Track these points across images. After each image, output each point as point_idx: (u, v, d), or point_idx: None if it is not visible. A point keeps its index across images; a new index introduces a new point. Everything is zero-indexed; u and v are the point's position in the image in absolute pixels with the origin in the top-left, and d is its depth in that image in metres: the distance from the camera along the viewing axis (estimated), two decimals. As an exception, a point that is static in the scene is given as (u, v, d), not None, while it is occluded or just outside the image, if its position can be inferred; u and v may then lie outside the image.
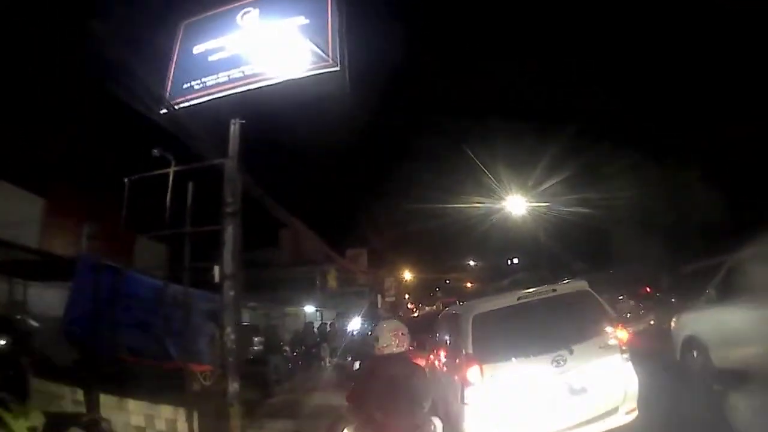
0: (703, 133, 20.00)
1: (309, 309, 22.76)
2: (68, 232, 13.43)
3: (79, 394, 6.96)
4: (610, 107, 26.28)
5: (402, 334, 4.19)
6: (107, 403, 6.88)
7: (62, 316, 7.69)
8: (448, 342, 6.78)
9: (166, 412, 6.78)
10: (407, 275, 42.77)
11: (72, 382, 7.04)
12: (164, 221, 7.69)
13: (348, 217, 43.95)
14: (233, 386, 6.55)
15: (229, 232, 6.94)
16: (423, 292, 60.40)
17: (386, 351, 4.13)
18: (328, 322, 20.30)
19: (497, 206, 26.18)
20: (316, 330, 18.52)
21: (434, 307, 35.81)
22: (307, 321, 18.79)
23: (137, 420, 6.84)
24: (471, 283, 56.86)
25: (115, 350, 7.41)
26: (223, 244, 6.95)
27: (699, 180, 19.87)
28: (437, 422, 4.17)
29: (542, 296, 5.65)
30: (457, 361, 5.59)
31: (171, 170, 8.09)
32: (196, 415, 6.71)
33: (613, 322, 5.62)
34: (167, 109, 7.33)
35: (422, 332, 11.55)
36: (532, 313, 5.48)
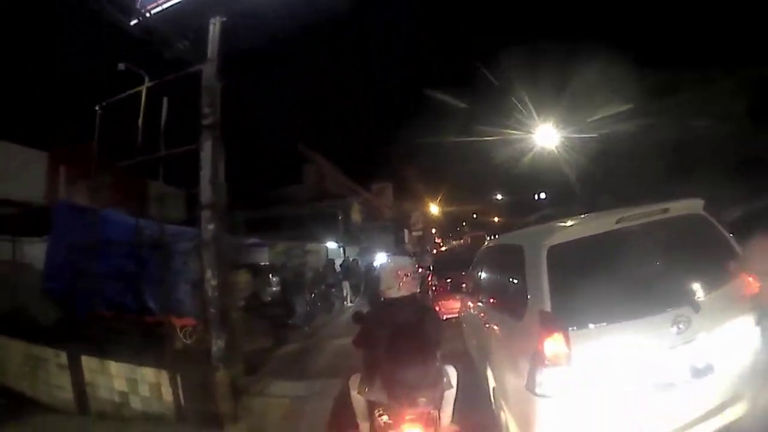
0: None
1: (331, 245, 21.45)
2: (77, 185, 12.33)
3: (63, 357, 6.08)
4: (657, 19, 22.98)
5: (407, 275, 3.71)
6: (90, 366, 5.92)
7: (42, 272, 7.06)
8: (499, 290, 4.78)
9: (149, 375, 5.64)
10: (434, 209, 41.06)
11: (56, 345, 6.22)
12: (136, 146, 6.47)
13: (373, 151, 42.03)
14: (217, 344, 5.20)
15: (207, 150, 5.32)
16: (449, 226, 59.30)
17: (390, 294, 3.72)
18: (351, 258, 18.89)
19: (527, 138, 24.05)
20: (338, 267, 17.15)
21: (461, 241, 34.36)
22: (329, 258, 17.40)
23: (120, 384, 5.79)
24: (498, 217, 55.45)
25: (94, 306, 6.48)
26: (201, 166, 5.31)
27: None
28: (451, 371, 3.70)
29: (650, 219, 3.60)
30: (521, 323, 3.55)
31: (144, 87, 6.78)
32: (179, 380, 5.40)
33: (740, 264, 3.39)
34: (138, 17, 5.99)
35: (453, 268, 10.09)
36: (635, 246, 3.44)
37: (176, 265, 6.07)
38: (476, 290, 5.81)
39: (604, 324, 3.17)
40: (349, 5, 6.34)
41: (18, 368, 6.46)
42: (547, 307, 3.24)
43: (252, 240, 12.87)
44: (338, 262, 17.96)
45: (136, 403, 5.66)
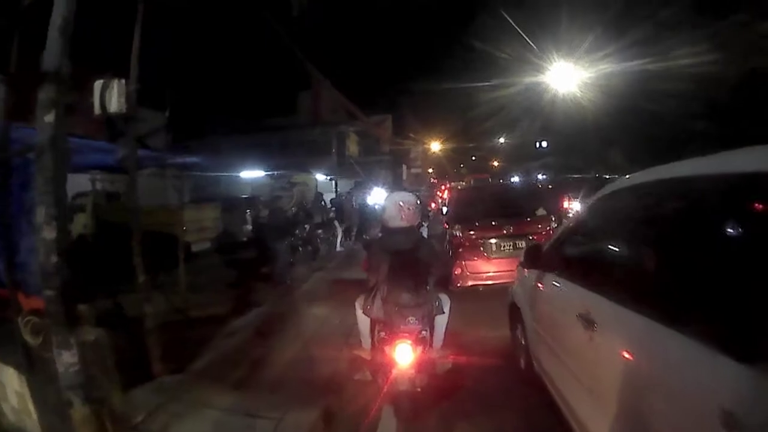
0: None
1: (321, 178, 18.53)
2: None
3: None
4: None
5: (409, 208, 3.96)
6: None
7: None
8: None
9: (13, 381, 3.35)
10: (434, 146, 37.84)
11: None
12: None
13: (372, 80, 38.14)
14: (63, 360, 2.37)
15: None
16: (447, 167, 56.48)
17: (392, 224, 3.97)
18: (344, 193, 15.91)
19: (535, 81, 21.48)
20: (327, 203, 14.23)
21: (464, 182, 31.57)
22: (317, 192, 14.48)
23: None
24: (498, 162, 52.72)
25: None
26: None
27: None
28: (444, 298, 3.94)
29: None
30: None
31: None
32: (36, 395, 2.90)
33: None
34: None
35: (477, 216, 7.32)
36: None
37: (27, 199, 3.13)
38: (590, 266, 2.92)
39: None
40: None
41: None
42: None
43: (186, 159, 9.33)
44: (330, 198, 15.00)
45: (9, 415, 3.40)
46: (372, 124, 28.28)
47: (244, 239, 12.94)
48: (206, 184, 17.84)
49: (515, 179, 29.32)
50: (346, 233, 13.51)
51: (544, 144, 50.85)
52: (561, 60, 20.22)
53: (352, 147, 23.74)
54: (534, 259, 3.45)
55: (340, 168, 20.03)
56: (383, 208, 4.11)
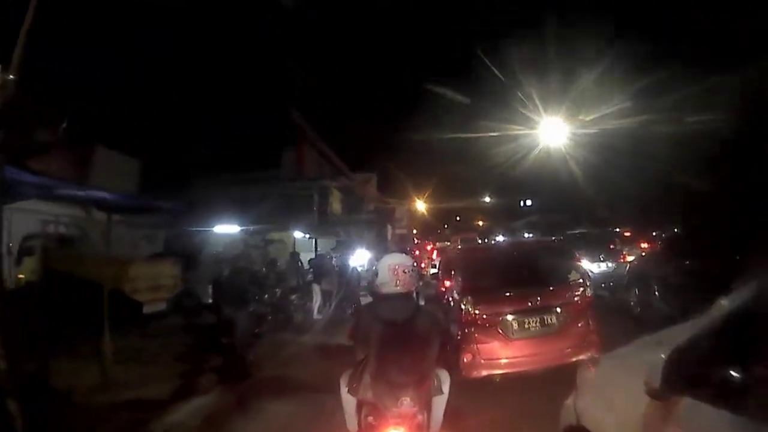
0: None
1: (299, 235, 16.91)
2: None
3: None
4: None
5: (404, 271, 3.40)
6: None
7: None
8: None
9: None
10: (420, 206, 36.69)
11: None
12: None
13: (358, 137, 37.48)
14: None
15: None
16: (430, 227, 55.57)
17: (384, 290, 3.42)
18: (324, 253, 14.21)
19: (521, 138, 20.96)
20: (305, 264, 12.51)
21: (450, 243, 30.16)
22: (292, 252, 12.80)
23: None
24: (483, 221, 51.93)
25: None
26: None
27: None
28: (443, 375, 3.42)
29: None
30: None
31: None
32: None
33: None
34: None
35: (498, 284, 5.64)
36: None
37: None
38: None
39: None
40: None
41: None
42: None
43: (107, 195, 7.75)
44: (308, 258, 13.26)
45: None
46: (357, 181, 27.07)
47: (209, 301, 11.15)
48: (179, 238, 16.22)
49: (500, 238, 28.49)
50: (326, 299, 11.74)
51: (529, 202, 50.26)
52: (550, 115, 19.52)
53: (335, 204, 22.25)
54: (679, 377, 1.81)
55: (322, 226, 18.43)
56: (375, 272, 3.68)
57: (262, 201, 18.68)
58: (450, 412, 3.43)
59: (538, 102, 18.71)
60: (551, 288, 5.50)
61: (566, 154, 21.18)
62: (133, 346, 7.52)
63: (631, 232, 18.62)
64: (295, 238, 16.39)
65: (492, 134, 21.65)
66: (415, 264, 3.71)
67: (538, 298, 5.26)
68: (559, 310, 5.24)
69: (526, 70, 19.02)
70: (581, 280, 5.66)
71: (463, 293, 5.60)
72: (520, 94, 18.78)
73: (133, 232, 14.11)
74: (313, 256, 14.02)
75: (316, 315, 11.16)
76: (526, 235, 32.66)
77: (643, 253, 12.70)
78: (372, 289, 3.78)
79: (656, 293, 8.36)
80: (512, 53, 19.43)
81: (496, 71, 18.42)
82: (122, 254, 10.98)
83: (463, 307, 5.40)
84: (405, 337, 3.20)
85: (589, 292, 5.42)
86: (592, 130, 19.02)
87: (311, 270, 11.88)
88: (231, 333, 7.14)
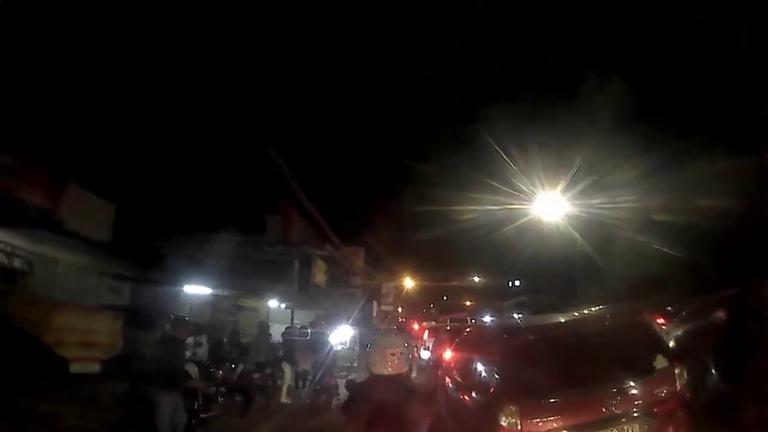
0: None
1: (274, 304, 14.95)
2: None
3: None
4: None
5: (392, 354, 3.42)
6: None
7: None
8: None
9: None
10: (408, 283, 34.78)
11: None
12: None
13: (343, 213, 36.20)
14: None
15: None
16: (416, 306, 53.35)
17: (376, 371, 3.46)
18: (300, 326, 12.15)
19: (509, 217, 19.80)
20: (277, 338, 10.50)
21: (435, 323, 28.08)
22: (261, 323, 10.79)
23: None
24: (471, 301, 49.99)
25: None
26: None
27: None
28: None
29: None
30: None
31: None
32: None
33: None
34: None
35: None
36: None
37: None
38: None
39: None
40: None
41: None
42: None
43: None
44: (279, 330, 11.23)
45: None
46: (344, 253, 25.35)
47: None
48: (144, 294, 14.18)
49: (487, 319, 27.09)
50: (298, 380, 9.66)
51: (517, 283, 48.67)
52: (547, 190, 18.45)
53: (319, 275, 20.36)
54: None
55: (302, 296, 16.49)
56: (368, 354, 3.68)
57: (239, 264, 16.82)
58: None
59: (534, 177, 17.85)
60: (629, 383, 3.60)
61: (561, 232, 20.02)
62: (47, 410, 5.90)
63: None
64: (269, 307, 14.41)
65: (481, 208, 20.69)
66: (407, 345, 3.63)
67: (617, 401, 3.41)
68: (650, 416, 3.43)
69: (521, 141, 18.25)
70: (671, 369, 3.72)
71: (501, 398, 3.71)
72: (514, 167, 17.86)
73: (100, 280, 12.60)
74: (287, 327, 11.94)
75: (284, 399, 9.05)
76: (515, 315, 30.89)
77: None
78: (368, 369, 3.46)
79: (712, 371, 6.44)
80: (508, 125, 18.80)
81: (493, 144, 17.62)
82: (72, 301, 9.29)
83: (504, 421, 3.53)
84: (395, 417, 3.19)
85: (680, 384, 3.60)
86: (591, 210, 18.04)
87: (282, 344, 9.89)
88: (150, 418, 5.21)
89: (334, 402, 8.88)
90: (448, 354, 7.51)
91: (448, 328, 15.66)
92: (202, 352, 8.52)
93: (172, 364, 5.65)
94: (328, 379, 8.98)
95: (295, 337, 9.92)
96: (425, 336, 17.67)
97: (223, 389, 7.11)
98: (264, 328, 10.09)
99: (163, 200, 19.31)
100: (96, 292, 11.31)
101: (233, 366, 7.64)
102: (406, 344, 3.59)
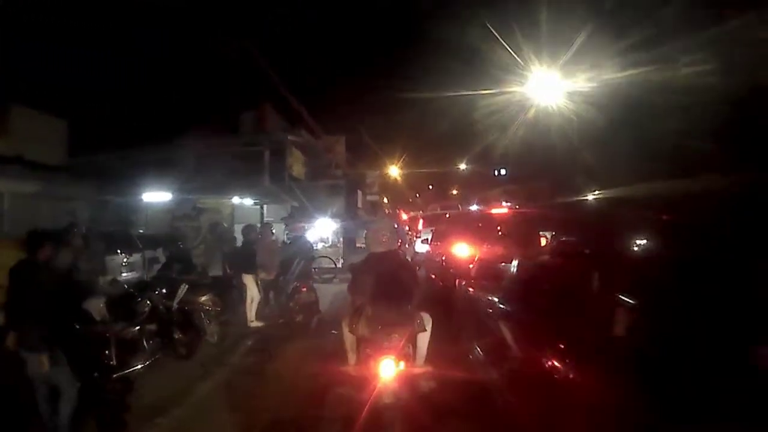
0: None
1: (248, 202, 12.62)
2: None
3: None
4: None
5: (383, 235, 4.08)
6: None
7: None
8: None
9: None
10: (393, 171, 32.49)
11: None
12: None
13: (325, 100, 32.74)
14: None
15: None
16: (402, 196, 51.92)
17: (373, 249, 4.08)
18: (265, 225, 9.66)
19: (498, 100, 17.56)
20: (240, 240, 8.19)
21: (424, 212, 26.54)
22: (213, 223, 8.47)
23: None
24: (457, 190, 48.45)
25: None
26: None
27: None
28: (426, 317, 4.00)
29: None
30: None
31: None
32: None
33: None
34: None
35: None
36: None
37: None
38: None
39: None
40: None
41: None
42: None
43: None
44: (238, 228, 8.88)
45: None
46: (324, 141, 22.64)
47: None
48: (113, 213, 12.20)
49: (474, 208, 25.98)
50: (270, 292, 7.52)
51: (503, 172, 46.84)
52: (539, 69, 15.76)
53: (297, 166, 17.80)
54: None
55: (275, 189, 14.03)
56: (366, 237, 4.26)
57: (204, 164, 14.22)
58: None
59: (527, 56, 15.03)
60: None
61: (550, 115, 17.54)
62: None
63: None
64: (234, 205, 12.08)
65: (469, 93, 18.05)
66: (395, 226, 4.62)
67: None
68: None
69: (511, 15, 15.03)
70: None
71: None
72: (506, 46, 14.83)
73: (57, 205, 11.30)
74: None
75: (252, 322, 7.00)
76: (504, 204, 29.62)
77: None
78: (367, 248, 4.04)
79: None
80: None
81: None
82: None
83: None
84: (392, 285, 3.79)
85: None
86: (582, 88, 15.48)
87: (237, 252, 7.58)
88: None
89: (314, 321, 6.85)
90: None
91: (447, 215, 13.57)
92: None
93: (31, 303, 3.34)
94: (304, 292, 6.85)
95: (252, 237, 7.51)
96: (419, 225, 15.27)
97: (152, 327, 4.88)
98: (217, 231, 7.81)
99: (123, 108, 17.33)
100: (54, 220, 10.04)
101: (167, 291, 5.36)
102: (395, 226, 4.48)
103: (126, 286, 5.47)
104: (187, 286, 5.80)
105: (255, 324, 7.04)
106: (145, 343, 4.81)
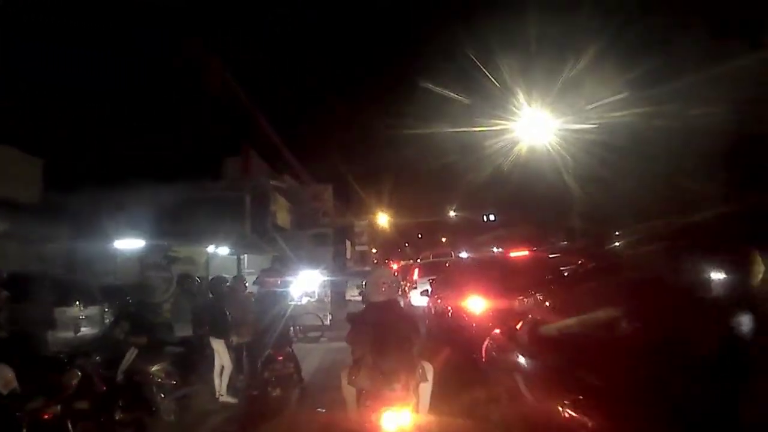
0: None
1: (224, 252, 11.54)
2: None
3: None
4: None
5: (383, 283, 4.05)
6: None
7: None
8: None
9: None
10: (382, 220, 31.66)
11: None
12: None
13: (311, 150, 32.23)
14: None
15: None
16: (391, 245, 51.20)
17: (373, 299, 4.07)
18: (239, 277, 8.38)
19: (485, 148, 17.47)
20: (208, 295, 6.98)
21: (422, 261, 25.52)
22: (181, 274, 7.32)
23: None
24: (446, 237, 47.95)
25: None
26: None
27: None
28: (427, 366, 3.91)
29: None
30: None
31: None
32: None
33: None
34: None
35: None
36: None
37: None
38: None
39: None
40: None
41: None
42: None
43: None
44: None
45: None
46: (311, 190, 21.86)
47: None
48: (81, 259, 11.80)
49: (464, 255, 25.17)
50: (244, 359, 6.29)
51: (492, 217, 46.49)
52: (531, 109, 15.49)
53: (281, 214, 16.80)
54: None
55: (256, 238, 12.97)
56: (365, 286, 4.55)
57: (181, 210, 13.19)
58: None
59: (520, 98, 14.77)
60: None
61: (539, 159, 17.13)
62: None
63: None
64: (208, 254, 10.96)
65: (460, 130, 17.61)
66: (396, 274, 4.66)
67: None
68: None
69: (501, 56, 14.83)
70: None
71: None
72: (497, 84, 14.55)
73: (24, 247, 10.85)
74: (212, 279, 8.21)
75: (222, 396, 5.75)
76: (495, 250, 28.93)
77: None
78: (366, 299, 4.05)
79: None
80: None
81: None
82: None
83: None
84: (392, 334, 3.71)
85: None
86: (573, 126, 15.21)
87: (206, 309, 6.37)
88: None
89: (296, 394, 5.63)
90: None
91: (447, 264, 12.43)
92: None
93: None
94: (280, 361, 5.65)
95: (222, 290, 6.38)
96: (415, 275, 14.04)
97: (82, 405, 3.69)
98: (186, 284, 6.65)
99: (102, 150, 16.70)
100: (22, 262, 9.66)
101: (110, 357, 4.19)
102: (396, 274, 4.46)
103: (53, 349, 4.30)
104: (136, 351, 4.62)
105: (225, 399, 5.78)
106: (70, 426, 3.59)
